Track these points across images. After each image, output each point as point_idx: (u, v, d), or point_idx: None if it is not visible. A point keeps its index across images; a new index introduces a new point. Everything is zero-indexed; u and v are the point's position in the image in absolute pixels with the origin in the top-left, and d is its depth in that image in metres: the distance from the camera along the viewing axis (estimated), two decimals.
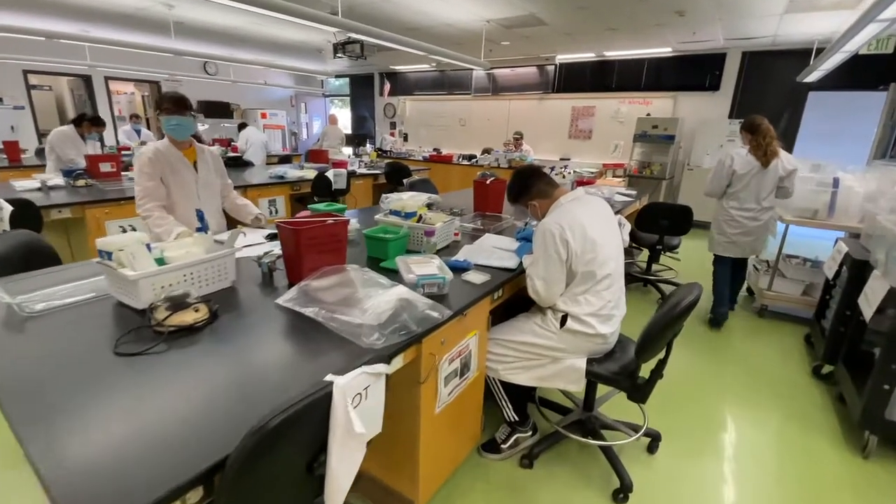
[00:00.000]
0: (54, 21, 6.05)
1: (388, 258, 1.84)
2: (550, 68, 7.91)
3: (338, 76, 11.18)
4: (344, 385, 0.82)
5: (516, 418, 1.92)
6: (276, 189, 4.31)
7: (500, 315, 1.92)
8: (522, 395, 1.94)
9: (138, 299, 1.31)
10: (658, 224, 3.60)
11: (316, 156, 5.69)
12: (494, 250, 2.06)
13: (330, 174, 4.22)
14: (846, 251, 2.59)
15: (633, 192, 4.06)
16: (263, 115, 9.97)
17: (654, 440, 2.02)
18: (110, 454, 0.79)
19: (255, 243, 2.01)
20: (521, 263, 1.88)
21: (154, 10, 5.31)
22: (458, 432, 1.72)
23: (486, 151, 7.91)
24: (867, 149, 5.63)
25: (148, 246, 1.43)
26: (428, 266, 1.60)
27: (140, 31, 6.46)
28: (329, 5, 4.45)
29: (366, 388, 0.90)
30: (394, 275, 1.60)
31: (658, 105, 7.01)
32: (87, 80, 8.33)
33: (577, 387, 1.74)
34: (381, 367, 0.95)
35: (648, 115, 6.85)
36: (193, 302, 1.30)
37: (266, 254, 1.67)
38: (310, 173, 4.55)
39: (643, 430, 1.97)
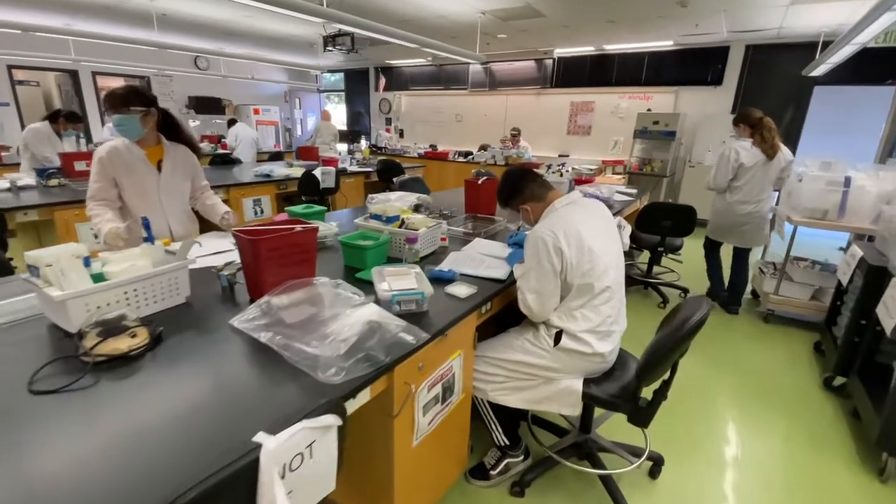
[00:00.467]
0: (35, 14, 5.84)
1: (366, 268, 1.67)
2: (549, 62, 7.72)
3: (333, 71, 10.96)
4: (274, 450, 0.65)
5: (506, 442, 1.76)
6: (261, 188, 4.13)
7: (490, 328, 1.76)
8: (514, 417, 1.78)
9: (69, 322, 1.14)
10: (660, 225, 3.44)
11: (306, 153, 5.51)
12: (483, 258, 1.89)
13: (317, 172, 4.05)
14: (861, 256, 2.43)
15: (634, 191, 3.89)
16: (256, 111, 9.75)
17: (656, 464, 1.87)
18: None
19: (223, 250, 1.85)
20: (511, 273, 1.72)
21: (135, 1, 5.11)
22: (441, 459, 1.56)
23: (483, 148, 7.73)
24: (874, 146, 5.46)
25: (87, 259, 1.26)
26: (406, 278, 1.44)
27: (123, 24, 6.26)
28: None
29: (310, 444, 0.74)
30: (371, 287, 1.44)
31: (659, 100, 6.83)
32: (73, 76, 8.12)
33: (573, 411, 1.58)
34: (329, 420, 0.78)
35: (649, 110, 6.67)
36: (132, 325, 1.13)
37: (227, 265, 1.50)
38: (297, 171, 4.38)
39: (645, 455, 1.81)
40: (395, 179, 3.67)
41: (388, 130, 9.63)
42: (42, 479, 0.73)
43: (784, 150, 3.21)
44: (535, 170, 1.87)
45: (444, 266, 1.75)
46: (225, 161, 5.49)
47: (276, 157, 7.01)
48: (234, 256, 1.67)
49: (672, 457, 1.93)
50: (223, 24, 6.35)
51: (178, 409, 0.92)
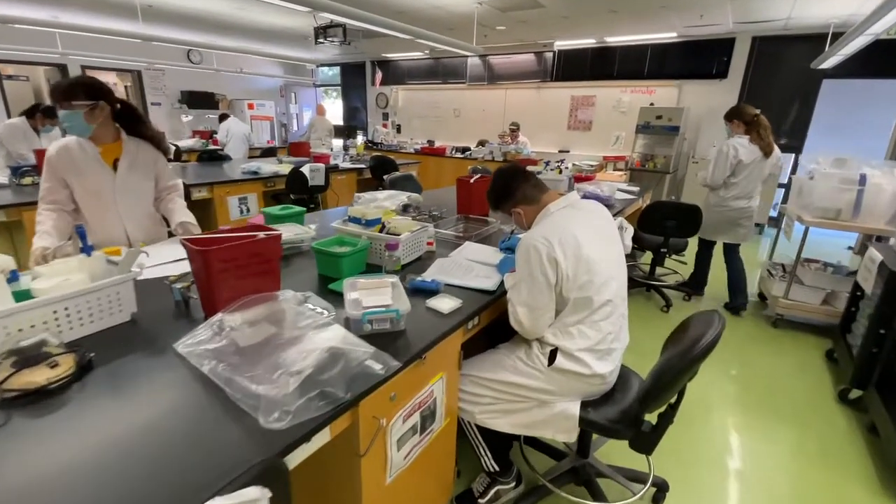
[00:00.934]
0: (20, 6, 5.67)
1: (341, 277, 1.51)
2: (549, 55, 7.52)
3: (328, 65, 10.75)
4: None
5: (496, 468, 1.61)
6: (247, 186, 3.96)
7: (479, 342, 1.60)
8: (504, 439, 1.62)
9: None
10: (663, 225, 3.27)
11: (297, 149, 5.34)
12: (472, 265, 1.73)
13: (305, 169, 3.88)
14: (880, 260, 2.26)
15: (636, 189, 3.72)
16: (251, 106, 9.55)
17: (660, 490, 1.71)
18: None
19: (183, 258, 1.68)
20: (502, 283, 1.56)
21: None
22: (422, 492, 1.41)
23: (481, 144, 7.55)
24: (885, 141, 5.27)
25: (14, 274, 1.10)
26: (381, 293, 1.28)
27: (110, 16, 6.08)
28: None
29: None
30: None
31: (662, 94, 6.63)
32: (63, 70, 7.94)
33: (568, 437, 1.42)
34: (251, 495, 0.63)
35: (652, 104, 6.48)
36: (55, 352, 0.98)
37: (181, 276, 1.34)
38: (286, 168, 4.21)
39: (649, 482, 1.66)
40: (384, 177, 3.50)
41: (384, 126, 9.44)
42: None
43: (776, 149, 3.21)
44: (529, 169, 1.71)
45: (428, 275, 1.59)
46: (213, 157, 5.32)
47: (268, 152, 6.84)
48: (186, 268, 1.51)
49: (677, 480, 1.77)
50: (214, 16, 6.16)
51: (93, 457, 0.77)
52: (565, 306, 1.36)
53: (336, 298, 1.34)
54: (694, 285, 3.66)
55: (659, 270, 3.74)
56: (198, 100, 9.13)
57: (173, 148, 5.43)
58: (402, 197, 2.65)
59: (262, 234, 1.29)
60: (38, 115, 3.88)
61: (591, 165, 5.49)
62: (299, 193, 3.94)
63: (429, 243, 1.91)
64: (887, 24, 3.31)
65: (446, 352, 1.32)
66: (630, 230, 2.52)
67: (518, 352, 1.46)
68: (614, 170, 6.28)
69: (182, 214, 1.82)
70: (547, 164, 3.90)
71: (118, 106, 1.70)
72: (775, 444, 2.09)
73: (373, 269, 1.67)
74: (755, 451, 2.05)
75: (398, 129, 9.61)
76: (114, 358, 1.08)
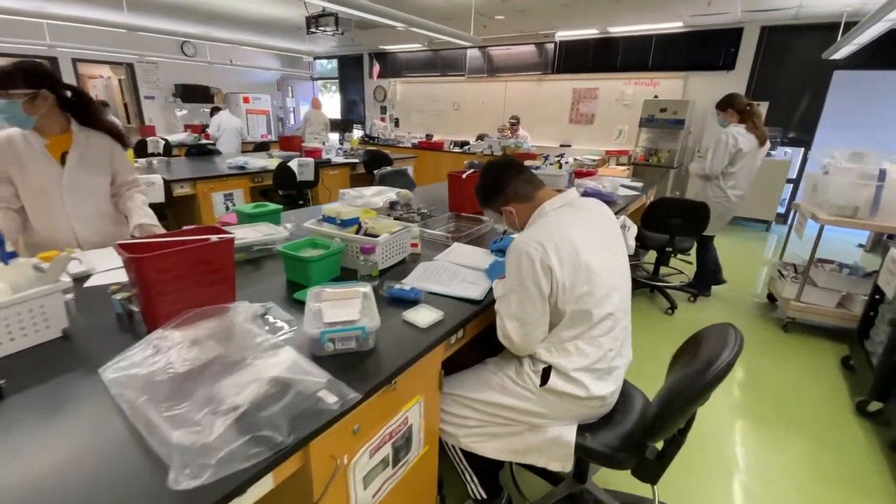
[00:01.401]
0: None
1: (310, 284, 1.35)
2: (550, 46, 7.30)
3: (326, 57, 10.54)
4: None
5: (484, 496, 1.45)
6: (234, 181, 3.80)
7: (467, 356, 1.44)
8: (493, 463, 1.47)
9: None
10: (668, 223, 3.10)
11: (288, 143, 5.16)
12: (459, 270, 1.57)
13: (293, 164, 3.71)
14: None
15: (639, 185, 3.54)
16: (246, 100, 9.36)
17: None
18: None
19: None
20: (491, 290, 1.40)
21: None
22: None
23: (480, 138, 7.36)
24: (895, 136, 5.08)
25: None
26: (348, 305, 1.12)
27: (94, 5, 5.89)
28: None
29: None
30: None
31: (666, 86, 6.42)
32: (53, 63, 7.76)
33: (563, 466, 1.26)
34: None
35: (656, 97, 6.27)
36: None
37: (123, 286, 1.18)
38: (275, 163, 4.04)
39: None
40: (375, 172, 3.34)
41: (382, 119, 9.25)
42: None
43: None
44: (523, 162, 1.54)
45: (409, 282, 1.43)
46: (203, 152, 5.16)
47: (262, 147, 6.68)
48: None
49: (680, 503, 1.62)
50: (205, 6, 5.98)
51: None
52: (561, 319, 1.20)
53: (302, 310, 1.18)
54: (700, 286, 3.50)
55: (663, 270, 3.57)
56: (192, 93, 8.94)
57: (139, 139, 5.15)
58: (391, 193, 2.49)
59: (214, 238, 1.13)
60: None
61: (593, 160, 5.30)
62: (287, 189, 3.78)
63: (413, 245, 1.75)
64: None
65: (424, 372, 1.16)
66: (633, 229, 2.35)
67: (507, 369, 1.30)
68: (617, 164, 6.08)
69: (141, 215, 1.64)
70: (546, 158, 3.72)
71: (68, 93, 1.54)
72: (786, 458, 1.94)
73: (349, 274, 1.51)
74: (765, 465, 1.89)
75: (396, 123, 9.41)
76: (31, 385, 0.92)
